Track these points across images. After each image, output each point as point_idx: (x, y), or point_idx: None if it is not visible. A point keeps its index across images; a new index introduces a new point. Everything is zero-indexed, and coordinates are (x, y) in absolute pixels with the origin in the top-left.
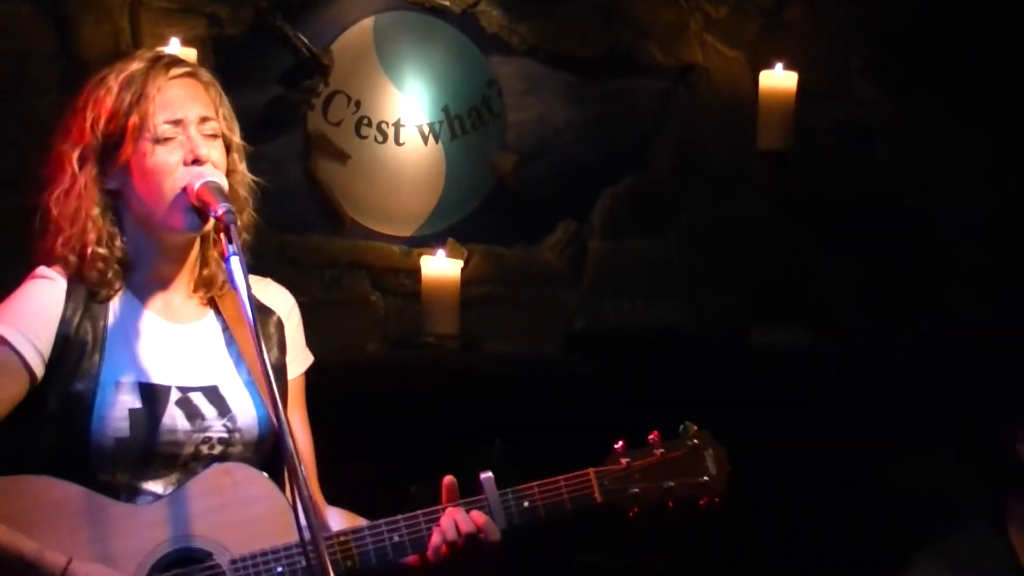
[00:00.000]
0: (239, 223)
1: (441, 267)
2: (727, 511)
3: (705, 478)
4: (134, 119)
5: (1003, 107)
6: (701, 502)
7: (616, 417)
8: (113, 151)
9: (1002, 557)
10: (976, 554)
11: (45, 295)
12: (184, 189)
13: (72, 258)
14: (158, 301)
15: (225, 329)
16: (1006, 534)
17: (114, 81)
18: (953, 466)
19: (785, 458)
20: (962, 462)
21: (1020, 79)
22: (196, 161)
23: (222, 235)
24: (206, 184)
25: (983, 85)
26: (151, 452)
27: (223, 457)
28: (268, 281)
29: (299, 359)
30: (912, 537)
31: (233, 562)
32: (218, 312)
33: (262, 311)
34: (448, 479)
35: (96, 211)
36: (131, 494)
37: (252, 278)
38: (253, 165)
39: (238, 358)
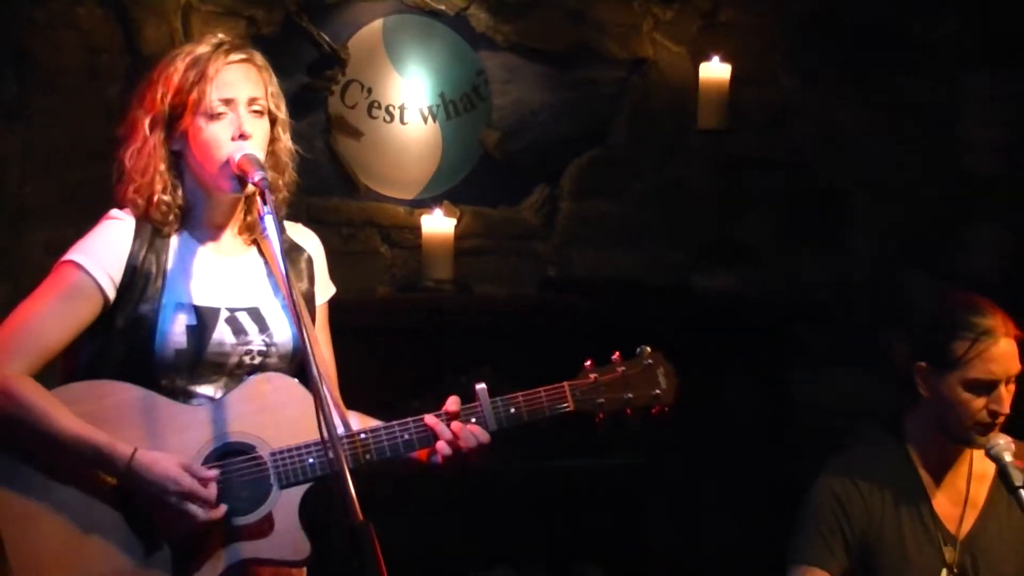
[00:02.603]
0: (283, 182)
1: (438, 224)
2: (673, 419)
3: (657, 391)
4: (194, 95)
5: (892, 88)
6: (654, 410)
7: (582, 345)
8: (177, 120)
9: (902, 466)
10: (879, 463)
11: (117, 232)
12: (228, 160)
13: (141, 202)
14: (211, 240)
15: (265, 264)
16: (905, 446)
17: (182, 61)
18: (858, 384)
19: (719, 378)
20: (868, 381)
21: (904, 65)
22: (242, 136)
23: (258, 198)
24: (246, 156)
25: (878, 72)
26: (203, 361)
27: (262, 367)
28: (299, 225)
29: (324, 289)
30: (823, 445)
31: (272, 454)
32: (260, 251)
33: (295, 249)
34: (452, 398)
35: (162, 167)
36: (187, 397)
37: (288, 224)
38: None
39: (275, 287)
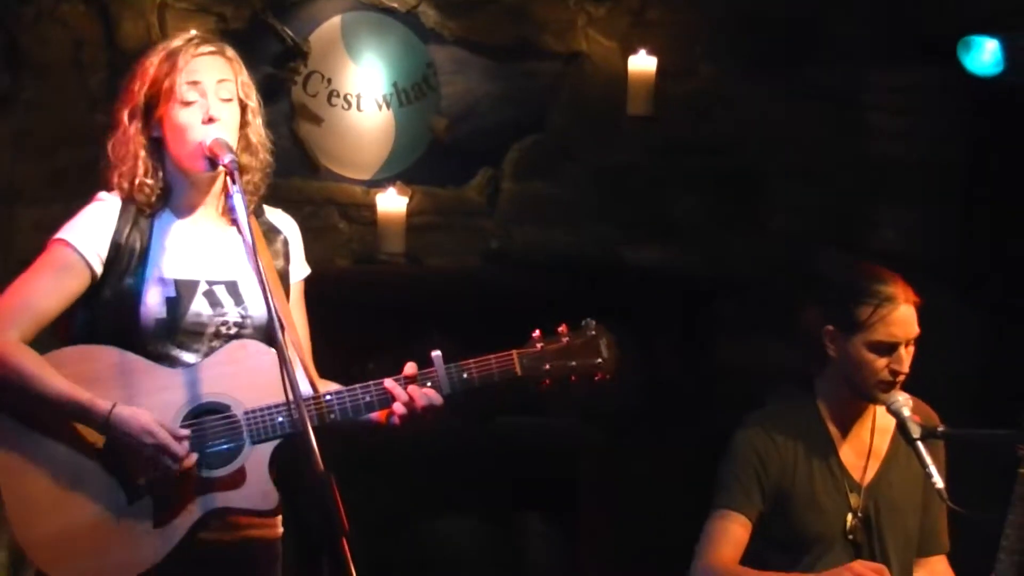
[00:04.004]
0: (256, 164)
1: (392, 202)
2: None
3: (599, 360)
4: (167, 84)
5: (806, 78)
6: (597, 377)
7: (522, 311)
8: (153, 109)
9: (813, 422)
10: (793, 419)
11: (102, 212)
12: (200, 143)
13: (126, 185)
14: (192, 219)
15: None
16: (815, 402)
17: (157, 56)
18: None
19: (647, 341)
20: (785, 347)
21: (816, 58)
22: (210, 120)
23: (228, 178)
24: (216, 140)
25: (793, 64)
26: (182, 330)
27: (238, 336)
28: (278, 211)
29: (299, 268)
30: (743, 405)
31: (246, 413)
32: (239, 230)
33: (273, 231)
34: (410, 363)
35: (142, 153)
36: (172, 362)
37: (267, 209)
38: None
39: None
